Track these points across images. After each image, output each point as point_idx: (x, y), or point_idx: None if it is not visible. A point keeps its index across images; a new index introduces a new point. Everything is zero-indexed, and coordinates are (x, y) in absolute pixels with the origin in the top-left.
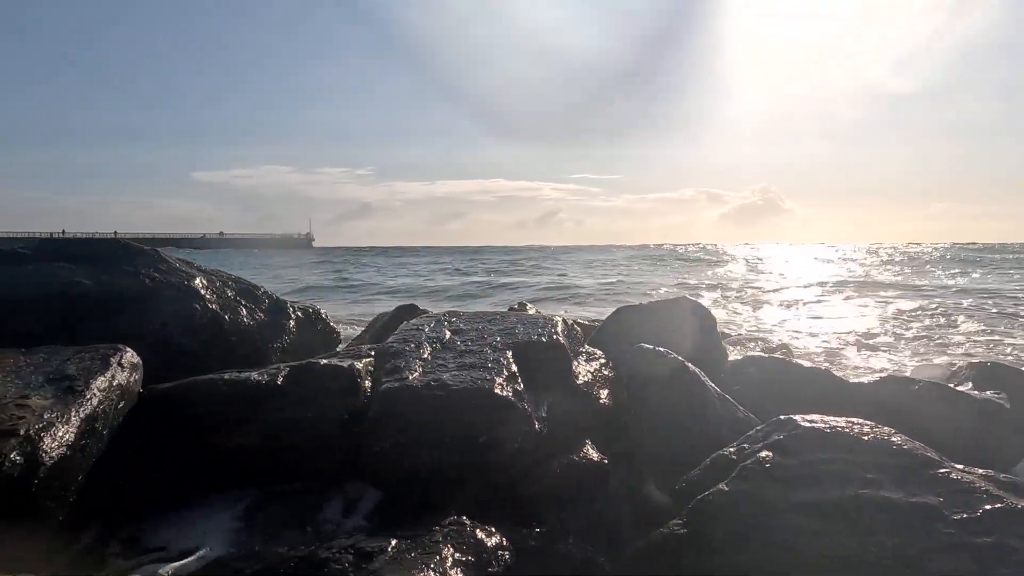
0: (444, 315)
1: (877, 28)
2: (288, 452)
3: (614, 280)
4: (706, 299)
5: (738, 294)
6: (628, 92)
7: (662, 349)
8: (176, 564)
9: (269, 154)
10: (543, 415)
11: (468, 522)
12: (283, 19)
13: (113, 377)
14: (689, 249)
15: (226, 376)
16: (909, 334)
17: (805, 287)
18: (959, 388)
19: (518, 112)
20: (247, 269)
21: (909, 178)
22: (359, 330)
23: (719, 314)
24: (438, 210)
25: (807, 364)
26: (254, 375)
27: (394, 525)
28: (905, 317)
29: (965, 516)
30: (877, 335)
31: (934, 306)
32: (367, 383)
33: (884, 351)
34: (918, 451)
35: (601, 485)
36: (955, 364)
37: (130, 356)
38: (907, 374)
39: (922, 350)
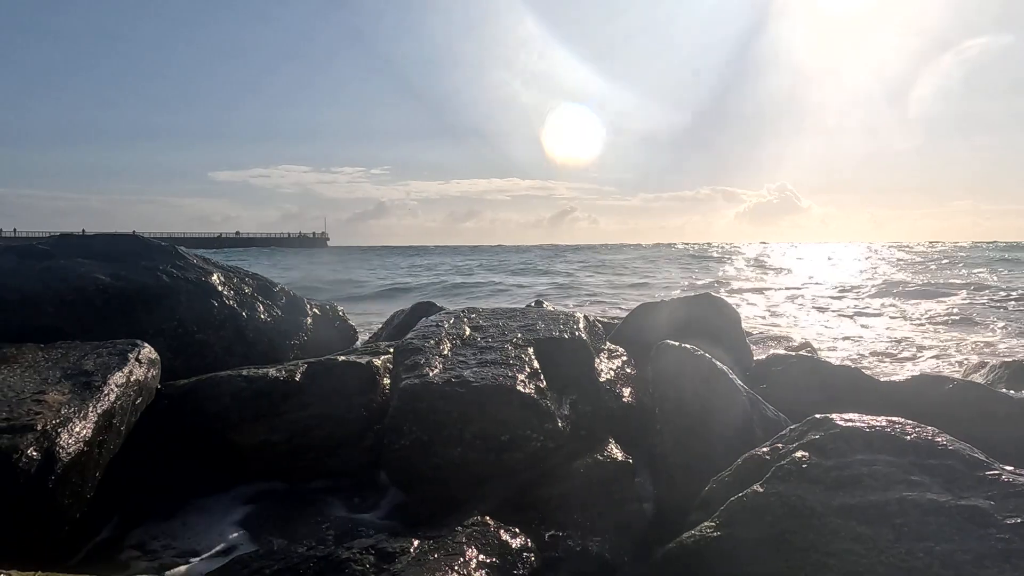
0: (463, 311)
1: (898, 22)
2: (307, 449)
3: (626, 278)
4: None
5: (753, 293)
6: (646, 90)
7: (688, 346)
8: (194, 562)
9: (286, 154)
10: (566, 413)
11: (492, 522)
12: (300, 21)
13: (131, 373)
14: (703, 248)
15: (244, 373)
16: (935, 332)
17: (823, 286)
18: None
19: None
20: (263, 268)
21: (930, 175)
22: (376, 327)
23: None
24: (453, 209)
25: (835, 362)
26: (272, 372)
27: (416, 524)
28: (930, 315)
29: (1020, 520)
30: (902, 334)
31: (959, 305)
32: (386, 380)
33: (909, 350)
34: (965, 452)
35: (626, 485)
36: (986, 363)
37: (148, 352)
38: (940, 373)
39: (951, 349)
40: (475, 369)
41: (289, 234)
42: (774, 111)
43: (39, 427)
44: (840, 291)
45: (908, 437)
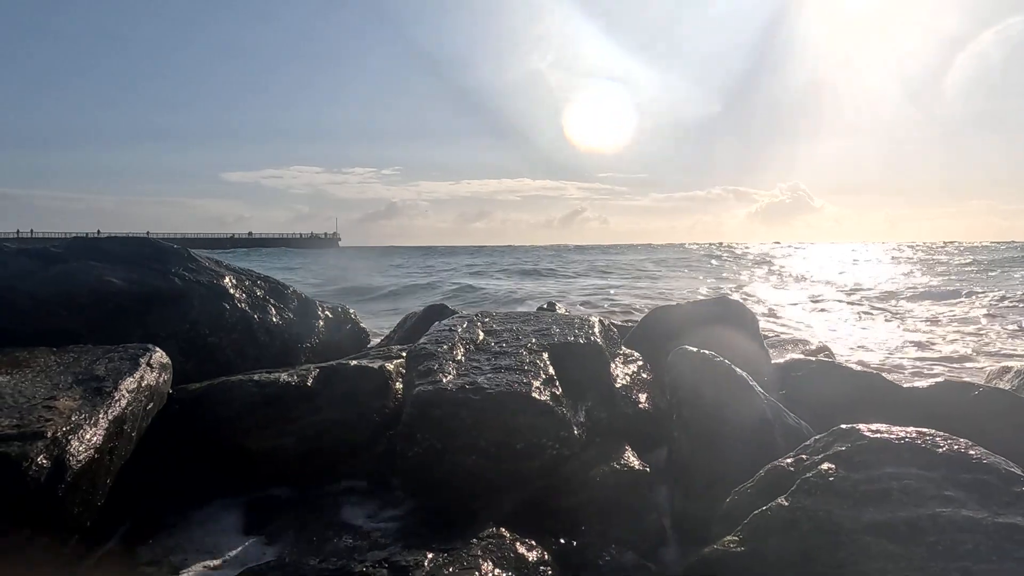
0: (476, 315)
1: (915, 19)
2: (319, 456)
3: (637, 279)
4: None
5: (766, 294)
6: (655, 91)
7: (707, 352)
8: (206, 570)
9: (297, 154)
10: (582, 420)
11: (508, 535)
12: (311, 21)
13: (142, 378)
14: (715, 247)
15: (256, 377)
16: (954, 334)
17: (836, 286)
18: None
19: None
20: (272, 270)
21: (945, 175)
22: (388, 330)
23: None
24: (464, 210)
25: (856, 367)
26: (284, 376)
27: (430, 536)
28: (949, 317)
29: None
30: (918, 336)
31: (978, 306)
32: (399, 385)
33: (927, 352)
34: (1000, 466)
35: (644, 494)
36: (1010, 368)
37: (159, 356)
38: (961, 378)
39: (970, 352)
40: (489, 375)
41: (301, 235)
42: (788, 110)
43: (49, 434)
44: (854, 291)
45: (940, 450)
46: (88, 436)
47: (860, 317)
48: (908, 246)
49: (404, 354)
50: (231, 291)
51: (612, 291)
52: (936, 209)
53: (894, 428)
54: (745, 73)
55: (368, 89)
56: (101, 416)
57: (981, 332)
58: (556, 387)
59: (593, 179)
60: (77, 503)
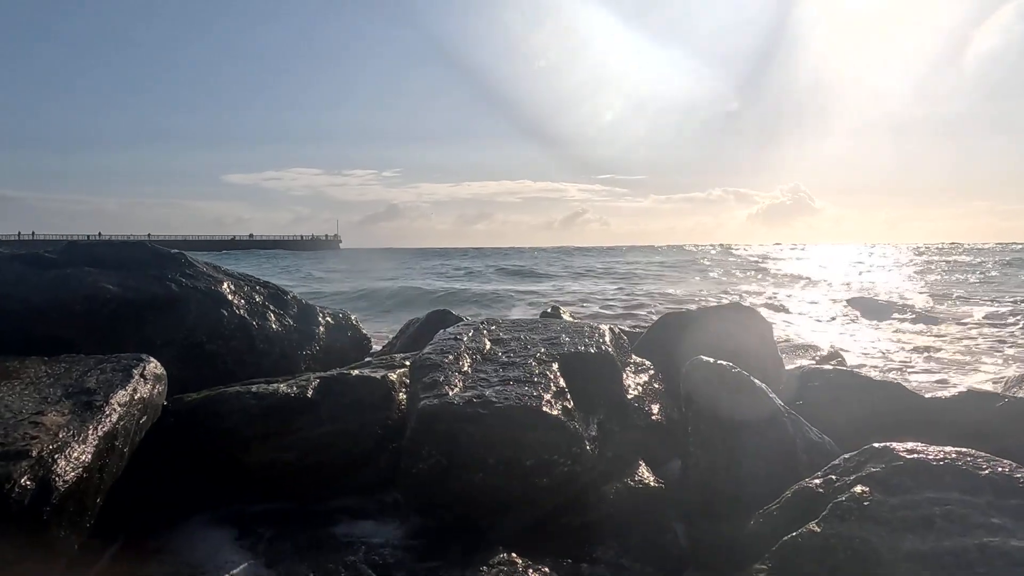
0: (482, 323)
1: (916, 20)
2: (319, 468)
3: (640, 282)
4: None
5: (771, 296)
6: (657, 91)
7: (724, 363)
8: None
9: (297, 156)
10: (594, 434)
11: (520, 560)
12: (312, 23)
13: (135, 391)
14: (716, 249)
15: (254, 388)
16: (965, 340)
17: (840, 289)
18: None
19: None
20: (273, 272)
21: (946, 176)
22: (390, 336)
23: None
24: (464, 211)
25: (874, 375)
26: (283, 387)
27: (436, 558)
28: (959, 320)
29: None
30: (928, 341)
31: (987, 310)
32: (402, 395)
33: (939, 358)
34: None
35: (659, 512)
36: None
37: (153, 367)
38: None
39: (984, 358)
40: (497, 388)
41: (302, 236)
42: (788, 111)
43: (34, 453)
44: (857, 294)
45: (983, 472)
46: (76, 454)
47: (866, 320)
48: (911, 247)
49: (407, 363)
50: (229, 297)
51: (615, 293)
52: (937, 210)
53: (930, 448)
54: (745, 74)
55: (368, 91)
56: (91, 432)
57: (993, 336)
58: (568, 400)
59: (594, 181)
60: (64, 526)
